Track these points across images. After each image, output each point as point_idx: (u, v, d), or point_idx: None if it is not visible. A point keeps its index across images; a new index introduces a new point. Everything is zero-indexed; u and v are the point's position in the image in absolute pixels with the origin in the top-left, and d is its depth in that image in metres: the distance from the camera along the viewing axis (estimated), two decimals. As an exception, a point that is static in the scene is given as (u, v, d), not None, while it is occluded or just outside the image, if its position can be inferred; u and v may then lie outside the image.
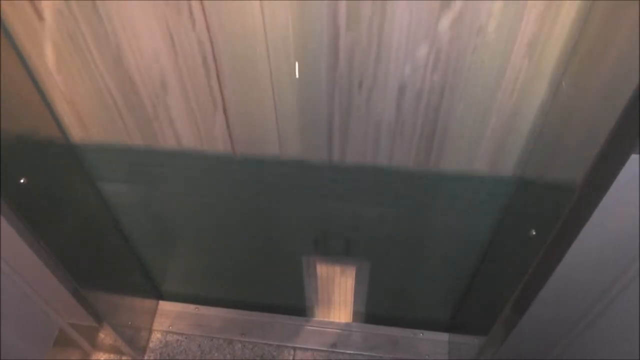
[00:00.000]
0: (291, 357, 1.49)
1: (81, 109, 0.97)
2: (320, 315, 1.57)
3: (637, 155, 0.55)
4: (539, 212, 0.84)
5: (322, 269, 1.36)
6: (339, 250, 1.26)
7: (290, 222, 1.20)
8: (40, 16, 0.81)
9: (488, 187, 1.00)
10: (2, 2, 0.79)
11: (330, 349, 1.50)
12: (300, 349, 1.51)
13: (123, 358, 1.49)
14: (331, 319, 1.56)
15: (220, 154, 1.02)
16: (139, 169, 1.11)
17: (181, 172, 1.09)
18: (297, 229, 1.22)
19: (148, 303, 1.57)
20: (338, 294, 1.50)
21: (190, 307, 1.60)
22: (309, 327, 1.55)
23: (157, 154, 1.05)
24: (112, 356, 1.49)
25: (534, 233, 0.82)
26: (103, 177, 1.15)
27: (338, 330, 1.54)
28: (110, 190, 1.19)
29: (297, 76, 0.83)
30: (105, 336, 1.44)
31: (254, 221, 1.22)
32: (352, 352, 1.50)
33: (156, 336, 1.55)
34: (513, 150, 0.90)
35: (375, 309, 1.52)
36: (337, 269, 1.35)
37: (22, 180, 0.90)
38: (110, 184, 1.17)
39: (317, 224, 1.19)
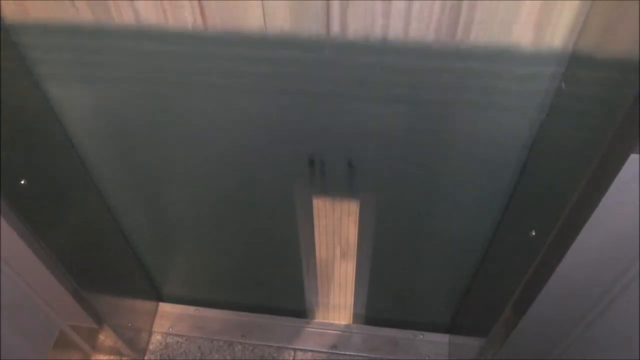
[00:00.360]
0: (291, 359, 1.49)
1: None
2: (320, 317, 1.57)
3: (637, 155, 0.55)
4: (538, 212, 0.84)
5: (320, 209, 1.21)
6: (337, 177, 1.06)
7: (277, 130, 0.98)
8: None
9: (530, 67, 0.77)
10: None
11: (330, 351, 1.50)
12: (301, 350, 1.51)
13: (123, 359, 1.49)
14: (331, 321, 1.56)
15: (187, 30, 0.81)
16: (89, 59, 0.89)
17: (142, 60, 0.88)
18: (286, 140, 1.00)
19: (148, 305, 1.57)
20: (338, 295, 1.49)
21: (191, 309, 1.60)
22: (309, 329, 1.55)
23: (110, 34, 0.83)
24: (112, 358, 1.49)
25: (534, 233, 0.82)
26: (49, 74, 0.93)
27: (338, 332, 1.54)
28: (58, 93, 0.97)
29: None
30: (106, 338, 1.44)
31: (233, 130, 1.00)
32: (352, 353, 1.50)
33: (156, 338, 1.55)
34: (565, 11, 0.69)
35: (375, 310, 1.52)
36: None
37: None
38: (58, 84, 0.95)
39: (311, 131, 0.97)
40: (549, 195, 0.80)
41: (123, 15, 0.80)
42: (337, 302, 1.52)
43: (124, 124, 1.00)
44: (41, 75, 0.93)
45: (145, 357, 1.51)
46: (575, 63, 0.72)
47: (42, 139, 0.97)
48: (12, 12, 0.83)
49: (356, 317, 1.55)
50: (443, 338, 1.51)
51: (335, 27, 0.76)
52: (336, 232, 1.23)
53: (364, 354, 1.49)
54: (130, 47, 0.86)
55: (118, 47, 0.86)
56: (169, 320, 1.58)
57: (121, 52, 0.87)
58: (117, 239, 1.30)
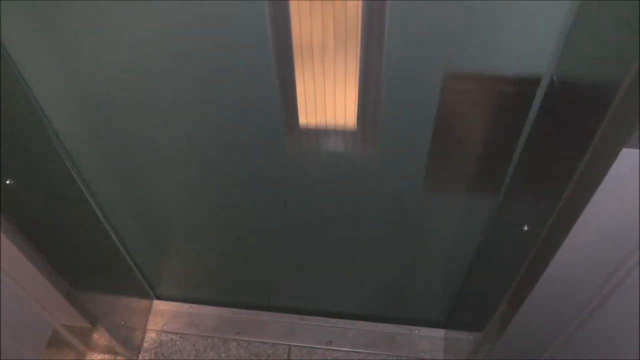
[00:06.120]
0: (286, 355, 1.48)
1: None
2: (315, 313, 1.56)
3: (629, 149, 0.55)
4: (532, 208, 0.83)
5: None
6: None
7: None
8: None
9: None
10: None
11: (325, 347, 1.50)
12: (296, 346, 1.50)
13: (118, 358, 1.49)
14: (327, 316, 1.55)
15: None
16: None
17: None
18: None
19: (142, 303, 1.56)
20: (334, 291, 1.49)
21: (185, 306, 1.60)
22: (304, 325, 1.54)
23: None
24: (106, 356, 1.49)
25: (527, 228, 0.82)
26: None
27: (334, 327, 1.53)
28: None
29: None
30: (100, 337, 1.43)
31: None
32: (347, 349, 1.49)
33: (150, 336, 1.55)
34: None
35: (371, 306, 1.52)
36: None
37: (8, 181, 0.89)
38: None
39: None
40: (542, 190, 0.79)
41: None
42: (333, 298, 1.52)
43: (113, 120, 0.99)
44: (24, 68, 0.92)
45: (140, 356, 1.51)
46: (567, 56, 0.71)
47: (28, 137, 0.95)
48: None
49: (352, 313, 1.54)
50: (439, 333, 1.51)
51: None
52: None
53: (359, 350, 1.49)
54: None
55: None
56: (164, 318, 1.58)
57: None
58: (109, 238, 1.29)
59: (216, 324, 1.56)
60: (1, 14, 0.80)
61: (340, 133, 0.96)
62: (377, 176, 1.04)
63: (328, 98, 0.89)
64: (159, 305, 1.61)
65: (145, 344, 1.53)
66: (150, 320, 1.58)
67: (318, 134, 0.97)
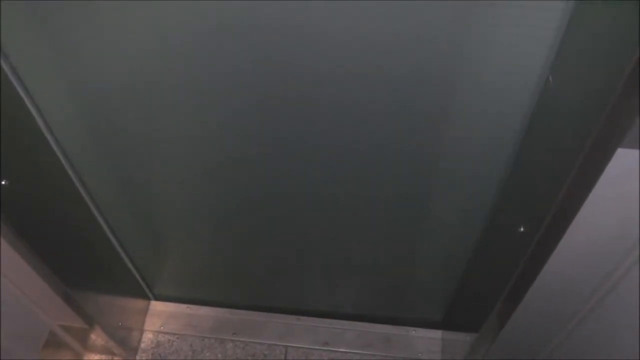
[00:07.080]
0: (283, 356, 1.48)
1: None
2: (312, 314, 1.56)
3: (624, 149, 0.55)
4: (527, 208, 0.83)
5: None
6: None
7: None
8: None
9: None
10: None
11: (322, 348, 1.50)
12: (292, 347, 1.50)
13: (115, 359, 1.48)
14: (324, 317, 1.55)
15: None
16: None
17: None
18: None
19: (139, 303, 1.56)
20: (331, 291, 1.49)
21: (182, 307, 1.60)
22: (301, 326, 1.54)
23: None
24: (103, 357, 1.48)
25: (522, 229, 0.82)
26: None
27: (330, 328, 1.53)
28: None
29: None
30: (97, 337, 1.43)
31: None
32: (344, 350, 1.49)
33: (148, 336, 1.54)
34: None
35: (368, 306, 1.52)
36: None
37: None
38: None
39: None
40: (537, 191, 0.79)
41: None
42: (330, 298, 1.52)
43: (109, 119, 0.99)
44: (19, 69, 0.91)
45: (137, 356, 1.51)
46: (563, 57, 0.71)
47: (25, 137, 0.95)
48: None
49: (349, 314, 1.54)
50: (436, 334, 1.51)
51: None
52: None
53: (356, 351, 1.49)
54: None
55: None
56: (161, 318, 1.58)
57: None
58: (106, 238, 1.29)
59: (213, 325, 1.55)
60: (1, 14, 0.80)
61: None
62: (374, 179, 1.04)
63: None
64: (157, 305, 1.61)
65: (142, 345, 1.53)
66: (147, 320, 1.58)
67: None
